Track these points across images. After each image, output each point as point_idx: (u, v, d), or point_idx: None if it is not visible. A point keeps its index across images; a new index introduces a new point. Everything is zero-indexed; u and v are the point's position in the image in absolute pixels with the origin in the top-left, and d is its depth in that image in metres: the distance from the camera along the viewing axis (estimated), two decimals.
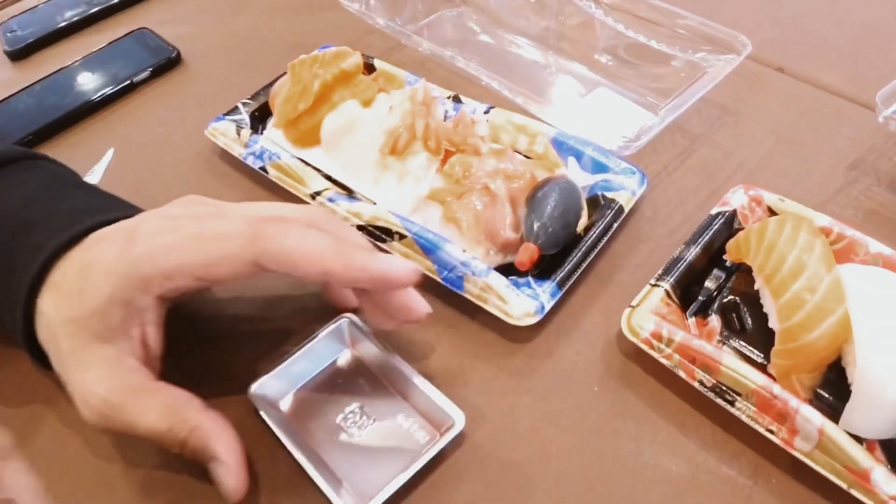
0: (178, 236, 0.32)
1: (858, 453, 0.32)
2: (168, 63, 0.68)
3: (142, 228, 0.33)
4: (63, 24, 0.76)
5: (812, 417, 0.33)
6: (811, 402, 0.35)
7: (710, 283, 0.41)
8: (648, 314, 0.38)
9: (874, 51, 0.55)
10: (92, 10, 0.77)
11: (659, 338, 0.37)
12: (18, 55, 0.73)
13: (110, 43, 0.71)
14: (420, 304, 0.35)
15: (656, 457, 0.35)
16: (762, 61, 0.58)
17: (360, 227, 0.45)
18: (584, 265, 0.41)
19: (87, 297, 0.32)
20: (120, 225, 0.35)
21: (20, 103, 0.64)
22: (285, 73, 0.53)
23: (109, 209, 0.37)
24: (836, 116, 0.51)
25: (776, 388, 0.34)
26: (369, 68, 0.57)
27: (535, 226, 0.41)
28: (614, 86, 0.55)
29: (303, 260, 0.31)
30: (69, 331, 0.32)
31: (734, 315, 0.39)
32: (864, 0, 0.67)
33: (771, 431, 0.34)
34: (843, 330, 0.34)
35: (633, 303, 0.39)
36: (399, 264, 0.33)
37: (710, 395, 0.36)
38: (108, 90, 0.64)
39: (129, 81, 0.65)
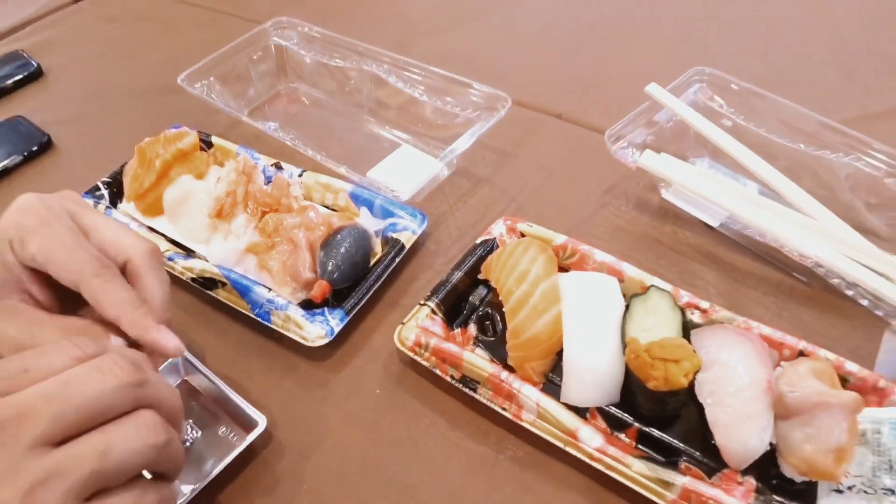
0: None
1: (567, 418, 0.42)
2: (40, 148, 0.76)
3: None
4: None
5: (530, 394, 0.43)
6: (544, 385, 0.45)
7: (473, 299, 0.51)
8: (414, 328, 0.47)
9: (635, 93, 0.67)
10: None
11: (419, 345, 0.46)
12: None
13: None
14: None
15: (424, 439, 0.45)
16: (543, 110, 0.70)
17: (192, 280, 0.54)
18: (370, 294, 0.51)
19: None
20: None
21: None
22: None
23: None
24: (597, 152, 0.61)
25: (503, 374, 0.44)
26: (208, 145, 0.66)
27: (328, 266, 0.51)
28: (417, 142, 0.66)
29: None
30: None
31: (487, 322, 0.49)
32: (627, 44, 0.81)
33: (504, 409, 0.44)
34: (558, 325, 0.45)
35: (404, 320, 0.48)
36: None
37: (459, 385, 0.45)
38: None
39: (2, 165, 0.73)
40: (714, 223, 0.54)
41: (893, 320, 0.47)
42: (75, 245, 0.37)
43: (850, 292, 0.49)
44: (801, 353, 0.44)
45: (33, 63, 0.91)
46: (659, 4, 0.89)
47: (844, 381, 0.43)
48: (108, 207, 0.62)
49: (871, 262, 0.50)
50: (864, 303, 0.49)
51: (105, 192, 0.65)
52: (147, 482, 0.32)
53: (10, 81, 0.88)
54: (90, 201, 0.63)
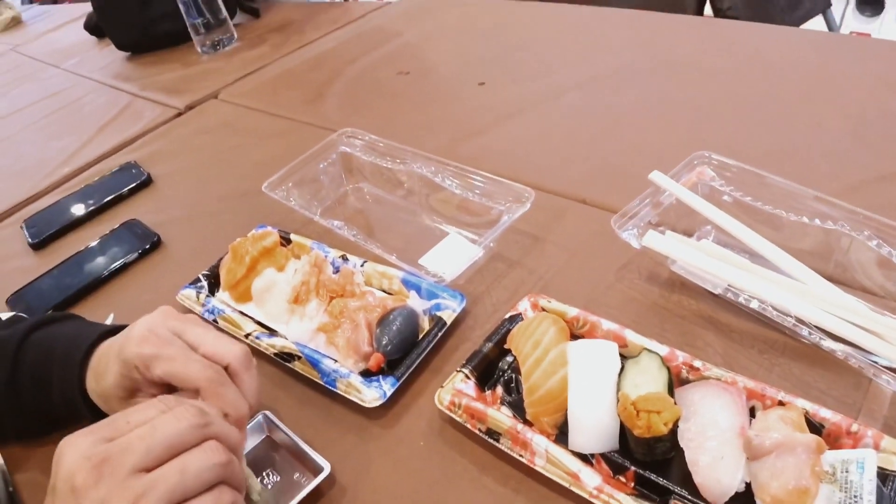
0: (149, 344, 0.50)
1: (570, 462, 0.51)
2: (152, 246, 0.91)
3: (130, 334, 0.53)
4: (70, 220, 1.01)
5: (541, 443, 0.52)
6: (557, 436, 0.54)
7: (502, 365, 0.61)
8: (450, 390, 0.57)
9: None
10: (91, 207, 1.03)
11: (454, 405, 0.56)
12: (38, 246, 0.98)
13: (108, 233, 0.95)
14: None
15: (457, 482, 0.54)
16: (569, 196, 0.80)
17: (275, 354, 0.66)
18: (416, 364, 0.61)
19: (108, 375, 0.52)
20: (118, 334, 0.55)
21: (43, 284, 0.88)
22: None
23: (114, 330, 0.58)
24: (615, 232, 0.69)
25: (519, 427, 0.53)
26: (286, 241, 0.79)
27: (383, 341, 0.62)
28: (462, 231, 0.77)
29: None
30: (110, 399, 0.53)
31: (512, 385, 0.59)
32: (642, 132, 0.90)
33: (521, 456, 0.53)
34: (565, 384, 0.54)
35: (444, 384, 0.58)
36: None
37: (485, 437, 0.55)
38: (108, 270, 0.87)
39: (122, 262, 0.88)
40: (716, 291, 0.62)
41: (874, 371, 0.54)
42: (188, 360, 0.50)
43: (833, 347, 0.55)
44: (781, 403, 0.51)
45: (144, 172, 1.08)
46: (671, 94, 0.99)
47: (820, 427, 0.50)
48: (207, 296, 0.75)
49: (855, 318, 0.57)
50: (847, 356, 0.55)
51: (204, 282, 0.79)
52: (222, 488, 0.43)
53: (125, 189, 1.05)
54: (192, 291, 0.76)
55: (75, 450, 0.40)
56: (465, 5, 1.44)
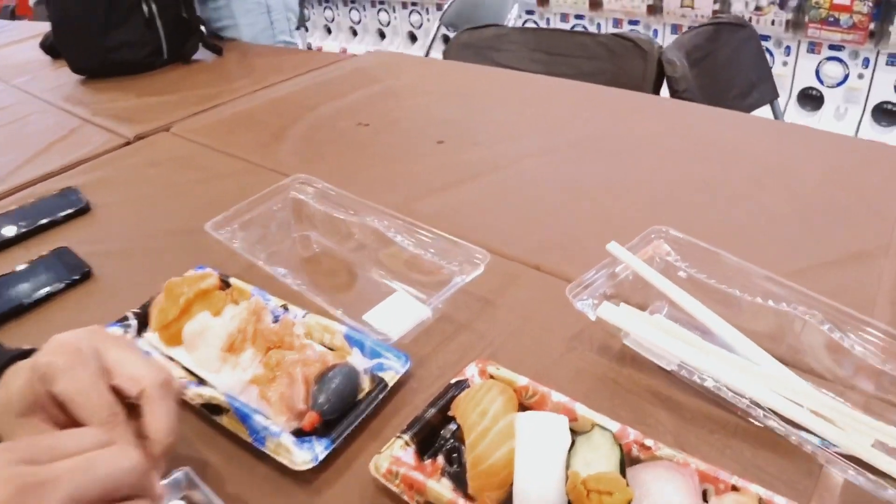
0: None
1: None
2: (82, 277, 0.85)
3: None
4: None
5: None
6: None
7: (445, 433, 0.57)
8: (388, 457, 0.53)
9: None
10: (23, 230, 0.96)
11: (391, 473, 0.52)
12: None
13: (36, 259, 0.88)
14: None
15: None
16: (523, 261, 0.79)
17: (202, 405, 0.61)
18: (354, 426, 0.58)
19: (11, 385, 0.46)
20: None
21: None
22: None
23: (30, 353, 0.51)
24: (568, 301, 0.67)
25: (460, 502, 0.49)
26: (226, 284, 0.75)
27: (319, 398, 0.58)
28: (410, 289, 0.74)
29: None
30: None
31: (455, 454, 0.55)
32: (601, 203, 0.90)
33: None
34: (512, 458, 0.51)
35: (382, 450, 0.55)
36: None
37: None
38: (31, 298, 0.81)
39: (47, 291, 0.82)
40: (667, 367, 0.61)
41: (825, 457, 0.52)
42: (91, 389, 0.44)
43: (783, 431, 0.54)
44: (734, 487, 0.49)
45: (83, 199, 1.02)
46: (632, 169, 1.00)
47: None
48: (134, 336, 0.70)
49: (807, 402, 0.56)
50: (799, 441, 0.53)
51: (133, 321, 0.73)
52: None
53: (61, 214, 0.99)
54: (119, 329, 0.71)
55: None
56: (429, 65, 1.46)
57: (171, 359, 0.68)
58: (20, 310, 0.80)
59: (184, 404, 0.63)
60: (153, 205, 1.03)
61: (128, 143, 1.25)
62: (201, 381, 0.65)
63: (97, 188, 1.08)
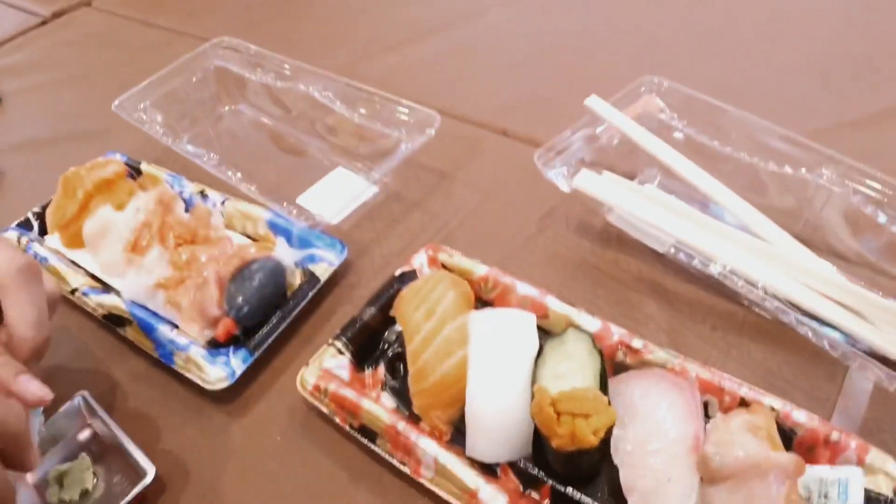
0: None
1: (467, 476, 0.38)
2: None
3: None
4: None
5: (428, 448, 0.39)
6: (453, 436, 0.41)
7: (389, 336, 0.47)
8: (317, 370, 0.43)
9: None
10: None
11: (319, 390, 0.42)
12: None
13: None
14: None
15: (322, 494, 0.41)
16: (488, 126, 0.67)
17: (103, 316, 0.51)
18: (278, 332, 0.47)
19: None
20: None
21: None
22: None
23: None
24: (538, 171, 0.57)
25: (400, 425, 0.40)
26: (137, 171, 0.63)
27: (236, 301, 0.47)
28: (354, 165, 0.62)
29: None
30: None
31: (399, 363, 0.45)
32: (579, 56, 0.77)
33: (403, 464, 0.40)
34: (464, 371, 0.40)
35: (309, 361, 0.44)
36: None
37: (358, 435, 0.41)
38: None
39: None
40: (660, 249, 0.50)
41: (852, 358, 0.42)
42: None
43: (803, 327, 0.44)
44: (743, 401, 0.39)
45: None
46: (615, 16, 0.86)
47: (792, 434, 0.38)
48: (31, 240, 0.59)
49: (831, 291, 0.45)
50: (821, 338, 0.43)
51: (35, 223, 0.62)
52: None
53: None
54: (14, 234, 0.60)
55: None
56: None
57: (75, 264, 0.57)
58: None
59: (88, 316, 0.54)
60: (68, 89, 0.90)
61: (44, 23, 1.10)
62: (106, 288, 0.54)
63: (7, 75, 0.95)
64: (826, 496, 0.35)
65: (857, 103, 0.66)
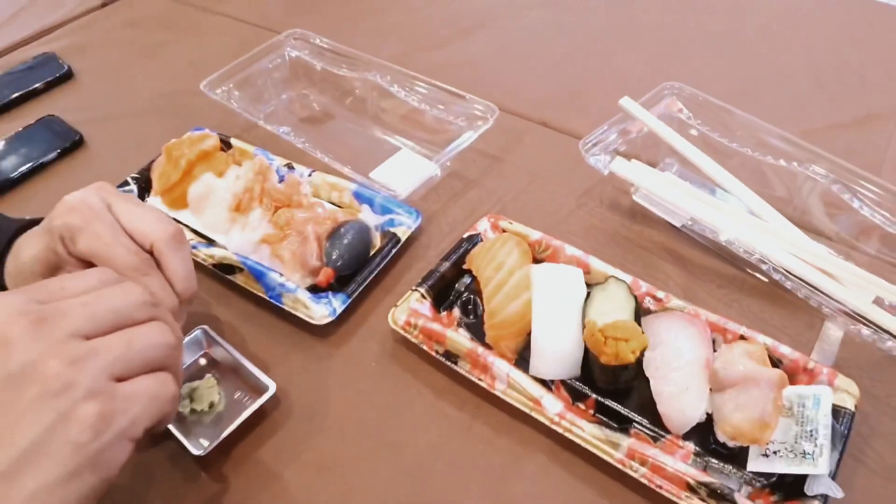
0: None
1: (533, 388, 0.49)
2: (73, 145, 0.83)
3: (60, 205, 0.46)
4: None
5: (502, 367, 0.50)
6: (517, 360, 0.52)
7: (459, 286, 0.58)
8: (405, 310, 0.54)
9: (616, 103, 0.70)
10: (4, 101, 0.91)
11: (409, 325, 0.53)
12: None
13: (22, 129, 0.85)
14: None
15: (411, 406, 0.52)
16: (530, 118, 0.77)
17: (214, 265, 0.61)
18: (368, 280, 0.58)
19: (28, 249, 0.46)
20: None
21: None
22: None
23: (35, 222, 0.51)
24: (577, 158, 0.66)
25: (480, 350, 0.51)
26: (227, 145, 0.73)
27: (333, 255, 0.58)
28: (416, 147, 0.73)
29: None
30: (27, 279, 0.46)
31: (470, 306, 0.56)
32: (609, 57, 0.88)
33: (480, 380, 0.51)
34: (528, 308, 0.51)
35: (398, 303, 0.55)
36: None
37: (443, 359, 0.52)
38: (23, 169, 0.79)
39: (39, 161, 0.80)
40: (677, 223, 0.61)
41: (828, 311, 0.54)
42: (115, 242, 0.43)
43: (790, 286, 0.55)
44: (742, 337, 0.51)
45: (64, 65, 0.97)
46: (641, 20, 0.96)
47: (778, 363, 0.50)
48: None
49: (813, 260, 0.57)
50: (804, 295, 0.55)
51: (134, 186, 0.72)
52: (166, 376, 0.38)
53: (41, 83, 0.94)
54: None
55: (5, 305, 0.35)
56: None
57: (179, 222, 0.67)
58: (11, 182, 0.78)
59: (196, 265, 0.63)
60: (137, 68, 0.98)
61: (104, 5, 1.18)
62: (211, 243, 0.64)
63: (75, 53, 1.02)
64: (804, 406, 0.46)
65: (846, 106, 0.77)
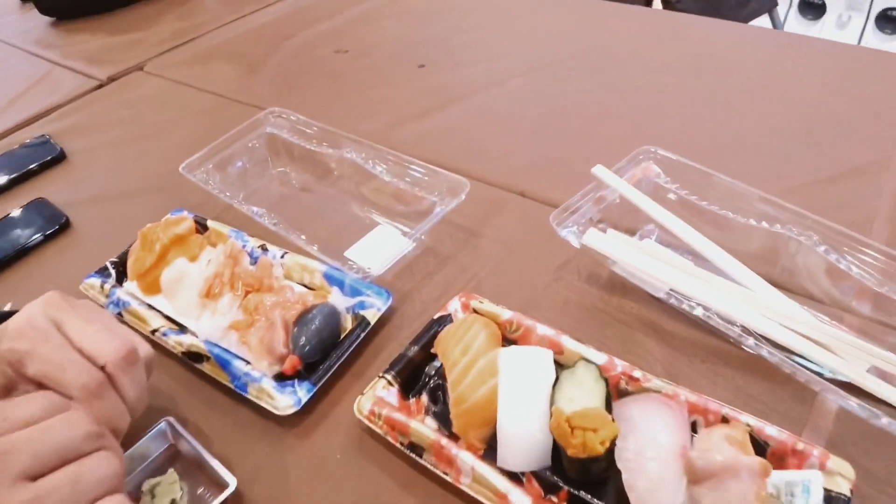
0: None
1: (500, 481, 0.46)
2: (59, 228, 0.83)
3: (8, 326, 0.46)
4: None
5: (467, 460, 0.47)
6: (485, 451, 0.50)
7: (429, 370, 0.56)
8: (371, 398, 0.52)
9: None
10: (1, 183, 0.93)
11: (373, 414, 0.51)
12: None
13: (11, 213, 0.86)
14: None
15: (375, 500, 0.49)
16: (507, 188, 0.76)
17: (182, 353, 0.60)
18: (335, 367, 0.56)
19: None
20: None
21: None
22: None
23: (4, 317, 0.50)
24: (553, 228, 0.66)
25: (444, 441, 0.48)
26: (203, 227, 0.72)
27: (300, 341, 0.56)
28: (394, 222, 0.72)
29: None
30: None
31: (439, 392, 0.54)
32: (588, 122, 0.87)
33: (446, 473, 0.48)
34: (495, 395, 0.49)
35: (364, 391, 0.53)
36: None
37: (407, 451, 0.50)
38: (8, 252, 0.80)
39: (24, 245, 0.81)
40: (658, 294, 0.59)
41: (817, 387, 0.51)
42: (65, 363, 0.43)
43: (779, 359, 0.52)
44: (724, 419, 0.48)
45: (57, 147, 0.99)
46: (621, 84, 0.95)
47: (765, 446, 0.46)
48: (113, 286, 0.68)
49: (801, 328, 0.54)
50: (790, 370, 0.52)
51: (112, 271, 0.72)
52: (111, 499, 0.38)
53: (35, 164, 0.96)
54: (97, 280, 0.69)
55: None
56: None
57: (152, 307, 0.66)
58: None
59: (166, 353, 0.62)
60: (128, 148, 1.00)
61: (101, 86, 1.21)
62: (182, 329, 0.63)
63: (71, 135, 1.04)
64: (792, 494, 0.43)
65: (834, 160, 0.74)
